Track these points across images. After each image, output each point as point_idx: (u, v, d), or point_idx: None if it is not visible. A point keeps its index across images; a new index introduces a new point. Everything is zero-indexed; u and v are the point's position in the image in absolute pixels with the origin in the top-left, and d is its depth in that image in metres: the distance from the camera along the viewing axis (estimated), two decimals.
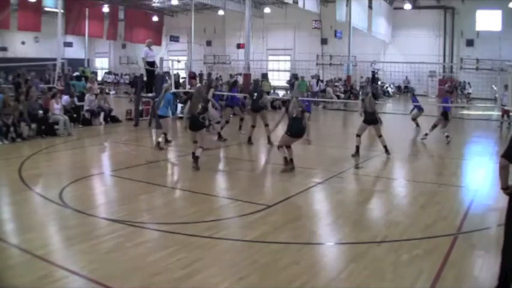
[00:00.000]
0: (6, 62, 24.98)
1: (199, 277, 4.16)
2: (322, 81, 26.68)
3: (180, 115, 14.88)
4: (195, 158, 8.44)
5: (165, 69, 16.58)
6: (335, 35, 30.78)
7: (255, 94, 11.44)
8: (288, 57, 34.71)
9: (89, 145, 11.70)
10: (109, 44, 40.97)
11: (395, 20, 31.29)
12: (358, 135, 9.94)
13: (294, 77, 26.84)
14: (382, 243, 5.03)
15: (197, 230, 5.30)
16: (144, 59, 14.74)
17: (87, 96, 14.82)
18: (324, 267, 4.57)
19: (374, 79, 28.23)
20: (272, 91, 23.67)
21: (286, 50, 34.87)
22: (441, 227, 5.56)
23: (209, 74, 30.28)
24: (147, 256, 4.58)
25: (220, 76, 27.29)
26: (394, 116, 19.33)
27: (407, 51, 29.27)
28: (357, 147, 9.85)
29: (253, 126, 11.42)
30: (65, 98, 13.88)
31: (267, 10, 32.72)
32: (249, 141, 11.37)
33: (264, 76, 28.58)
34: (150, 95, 14.95)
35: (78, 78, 20.19)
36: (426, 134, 12.08)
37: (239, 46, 32.89)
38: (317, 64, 32.59)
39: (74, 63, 26.82)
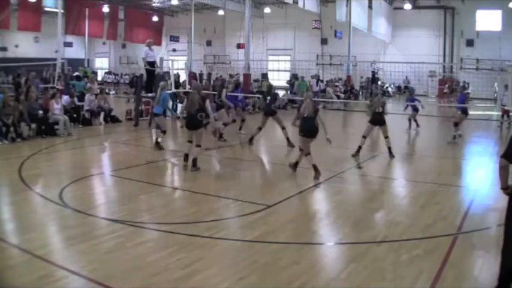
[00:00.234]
0: (6, 62, 24.99)
1: (199, 277, 4.16)
2: (322, 81, 26.66)
3: (179, 115, 14.87)
4: (193, 161, 8.30)
5: (165, 69, 16.60)
6: (335, 35, 30.76)
7: (269, 98, 11.38)
8: (288, 57, 34.71)
9: (89, 145, 11.70)
10: (109, 44, 40.97)
11: (396, 20, 31.28)
12: (364, 137, 9.95)
13: (294, 77, 26.83)
14: (382, 243, 5.03)
15: (197, 230, 5.30)
16: (145, 59, 14.75)
17: (87, 96, 14.82)
18: (324, 267, 4.57)
19: (374, 79, 28.25)
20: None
21: (286, 50, 34.87)
22: (441, 227, 5.56)
23: (209, 74, 30.39)
24: (147, 256, 4.58)
25: (221, 76, 27.33)
26: (394, 116, 19.24)
27: (407, 51, 29.26)
28: (359, 148, 9.83)
29: (259, 128, 11.33)
30: (65, 98, 13.88)
31: (267, 10, 32.72)
32: (251, 141, 11.32)
33: (264, 76, 28.60)
34: (150, 95, 14.94)
35: (78, 78, 20.19)
36: (458, 136, 11.85)
37: (239, 46, 32.91)
38: (317, 64, 32.58)
39: (74, 63, 26.83)
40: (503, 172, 3.77)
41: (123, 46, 40.80)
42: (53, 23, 26.02)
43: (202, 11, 35.32)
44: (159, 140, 10.43)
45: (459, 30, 29.83)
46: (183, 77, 21.49)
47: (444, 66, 30.58)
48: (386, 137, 9.95)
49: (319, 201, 7.09)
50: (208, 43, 38.22)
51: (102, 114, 15.05)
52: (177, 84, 18.04)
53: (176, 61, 19.43)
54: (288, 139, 11.01)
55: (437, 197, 6.94)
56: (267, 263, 4.49)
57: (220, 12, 33.78)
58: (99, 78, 34.34)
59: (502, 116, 15.74)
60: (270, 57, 35.32)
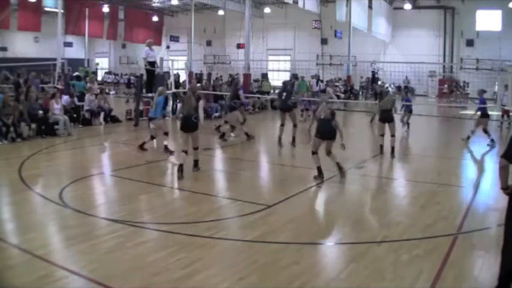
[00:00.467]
0: (6, 62, 24.96)
1: (199, 277, 4.16)
2: (322, 81, 26.64)
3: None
4: (195, 162, 8.21)
5: (165, 69, 16.58)
6: (335, 35, 30.75)
7: (284, 94, 11.30)
8: (288, 57, 34.69)
9: (89, 145, 11.70)
10: (109, 44, 40.96)
11: (396, 20, 31.27)
12: (382, 135, 10.15)
13: (294, 76, 26.79)
14: (382, 243, 5.03)
15: (197, 230, 5.30)
16: (145, 59, 14.75)
17: (87, 96, 14.81)
18: (324, 267, 4.57)
19: (374, 79, 28.23)
20: (272, 91, 23.65)
21: (286, 50, 34.85)
22: (441, 227, 5.56)
23: (209, 74, 30.37)
24: (147, 256, 4.58)
25: (221, 76, 27.31)
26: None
27: (407, 51, 29.24)
28: (381, 147, 10.08)
29: (282, 125, 11.25)
30: (65, 98, 13.87)
31: (267, 10, 32.70)
32: (280, 141, 11.07)
33: (264, 76, 28.58)
34: (150, 95, 14.92)
35: (78, 78, 20.19)
36: (491, 141, 11.74)
37: (239, 46, 32.88)
38: (317, 64, 32.56)
39: (74, 63, 26.81)
40: (503, 172, 3.77)
41: (123, 46, 40.80)
42: (53, 23, 25.99)
43: (202, 11, 35.31)
44: (165, 142, 10.21)
45: (459, 30, 29.82)
46: (183, 77, 21.49)
47: (444, 66, 30.56)
48: (392, 135, 10.02)
49: (319, 201, 7.09)
50: (208, 43, 38.21)
51: (102, 114, 15.05)
52: (177, 84, 18.04)
53: (176, 61, 19.41)
54: (293, 138, 11.05)
55: (437, 197, 6.94)
56: (267, 263, 4.49)
57: (220, 12, 33.78)
58: (99, 78, 34.32)
59: (502, 116, 15.73)
60: (270, 57, 35.30)
